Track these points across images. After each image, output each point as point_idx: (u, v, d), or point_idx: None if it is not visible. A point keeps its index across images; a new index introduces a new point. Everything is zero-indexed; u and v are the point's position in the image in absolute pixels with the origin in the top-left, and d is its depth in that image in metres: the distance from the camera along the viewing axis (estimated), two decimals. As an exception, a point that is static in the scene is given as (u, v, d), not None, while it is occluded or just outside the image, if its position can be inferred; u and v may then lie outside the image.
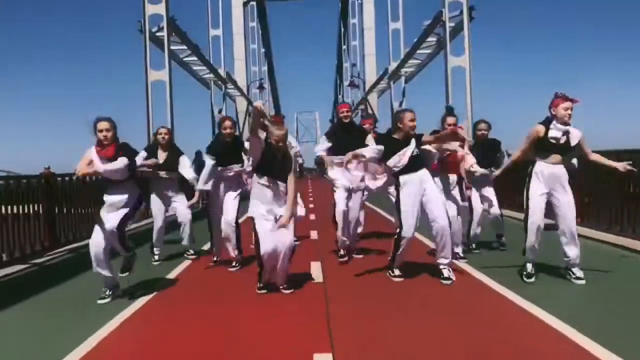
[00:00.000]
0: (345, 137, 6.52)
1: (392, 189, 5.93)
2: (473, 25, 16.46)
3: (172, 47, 17.95)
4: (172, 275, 6.54)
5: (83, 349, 3.93)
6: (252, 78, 39.10)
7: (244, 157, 6.44)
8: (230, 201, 6.46)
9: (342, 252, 6.88)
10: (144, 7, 16.01)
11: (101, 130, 5.07)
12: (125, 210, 5.16)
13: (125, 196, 5.17)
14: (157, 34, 16.78)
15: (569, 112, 5.28)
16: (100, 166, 4.98)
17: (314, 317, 4.55)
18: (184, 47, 19.87)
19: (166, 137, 7.37)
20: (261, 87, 39.06)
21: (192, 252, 7.63)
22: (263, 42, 48.39)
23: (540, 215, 5.41)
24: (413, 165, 5.55)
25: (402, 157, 5.52)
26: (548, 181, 5.38)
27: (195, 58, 21.79)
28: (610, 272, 5.94)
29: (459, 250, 6.66)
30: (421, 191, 5.57)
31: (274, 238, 5.13)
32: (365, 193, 6.97)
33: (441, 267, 5.70)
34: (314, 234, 9.59)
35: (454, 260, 6.00)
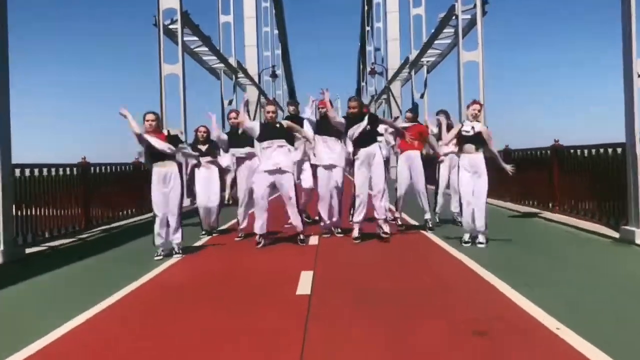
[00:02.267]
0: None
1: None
2: (488, 19, 19.39)
3: (184, 39, 21.10)
4: (200, 242, 9.72)
5: (150, 275, 7.11)
6: (264, 64, 42.14)
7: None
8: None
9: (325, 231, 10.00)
10: (159, 1, 19.20)
11: (148, 120, 8.27)
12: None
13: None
14: (171, 27, 19.97)
15: (475, 112, 8.55)
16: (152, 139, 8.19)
17: (307, 255, 7.74)
18: (195, 38, 23.09)
19: (205, 134, 10.53)
20: (274, 75, 42.17)
21: (216, 230, 10.75)
22: (277, 24, 51.33)
23: (469, 194, 8.48)
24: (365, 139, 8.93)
25: (355, 130, 8.92)
26: (470, 166, 8.47)
27: (206, 48, 25.00)
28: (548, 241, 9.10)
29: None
30: (370, 161, 8.99)
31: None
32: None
33: (378, 222, 9.13)
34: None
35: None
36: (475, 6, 19.40)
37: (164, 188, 8.29)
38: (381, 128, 9.82)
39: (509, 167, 8.96)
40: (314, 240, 9.44)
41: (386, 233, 9.11)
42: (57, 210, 11.25)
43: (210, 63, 27.95)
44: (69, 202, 11.69)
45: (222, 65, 28.49)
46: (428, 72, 29.36)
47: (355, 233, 9.18)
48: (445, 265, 7.51)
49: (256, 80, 36.84)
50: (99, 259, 8.84)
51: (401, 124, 10.34)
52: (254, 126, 9.10)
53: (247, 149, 9.85)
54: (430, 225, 10.23)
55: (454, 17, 20.76)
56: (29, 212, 10.19)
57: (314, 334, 4.61)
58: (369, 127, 8.91)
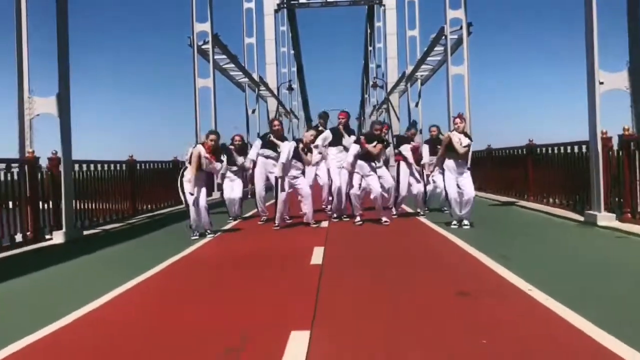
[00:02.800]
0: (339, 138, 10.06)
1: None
2: (472, 38, 19.40)
3: (214, 57, 21.28)
4: (229, 226, 9.86)
5: (175, 257, 7.26)
6: (282, 79, 42.21)
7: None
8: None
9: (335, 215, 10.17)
10: (193, 25, 19.40)
11: (212, 140, 8.43)
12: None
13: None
14: (203, 47, 20.14)
15: (457, 125, 8.62)
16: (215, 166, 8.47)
17: (319, 235, 7.82)
18: (224, 56, 23.24)
19: (239, 142, 10.81)
20: (290, 88, 42.27)
21: (241, 217, 10.90)
22: (293, 45, 51.28)
23: (454, 192, 8.54)
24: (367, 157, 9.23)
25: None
26: (455, 170, 8.55)
27: (233, 65, 25.15)
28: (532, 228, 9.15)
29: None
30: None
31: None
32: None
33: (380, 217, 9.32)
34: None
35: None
36: (461, 28, 19.39)
37: (195, 186, 8.40)
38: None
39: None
40: (325, 224, 9.57)
41: (387, 221, 9.27)
42: (110, 200, 11.49)
43: (237, 78, 28.08)
44: (119, 193, 11.90)
45: (246, 79, 28.62)
46: (422, 84, 29.37)
47: (358, 218, 9.38)
48: (435, 240, 7.63)
49: (275, 92, 36.93)
50: (147, 239, 9.13)
51: (407, 149, 10.38)
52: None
53: (270, 152, 10.08)
54: (422, 213, 10.39)
55: (443, 37, 20.76)
56: (87, 204, 10.45)
57: (325, 290, 4.74)
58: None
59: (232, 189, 10.65)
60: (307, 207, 9.20)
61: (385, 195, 9.55)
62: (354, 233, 8.58)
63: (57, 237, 8.70)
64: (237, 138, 10.93)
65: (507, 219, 10.18)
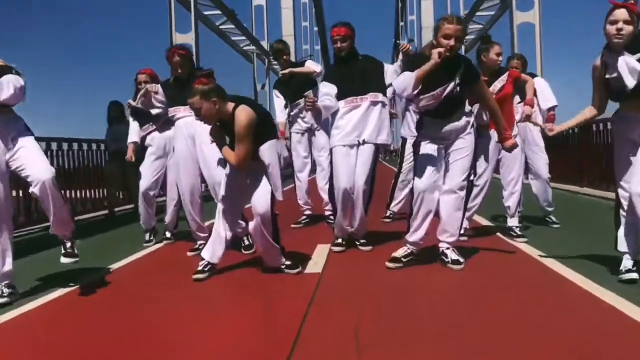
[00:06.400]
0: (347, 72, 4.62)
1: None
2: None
3: (205, 12, 16.50)
4: (120, 263, 4.86)
5: None
6: (302, 55, 37.38)
7: None
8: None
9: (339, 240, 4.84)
10: (168, -38, 14.52)
11: None
12: None
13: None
14: (185, -6, 15.28)
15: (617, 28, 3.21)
16: None
17: (281, 314, 2.71)
18: (218, 12, 18.30)
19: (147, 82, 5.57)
20: (311, 63, 37.40)
21: (168, 237, 5.65)
22: (316, 21, 46.90)
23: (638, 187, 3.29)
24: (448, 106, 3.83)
25: (438, 95, 3.73)
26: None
27: (233, 26, 20.24)
28: None
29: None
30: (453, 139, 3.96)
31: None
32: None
33: (441, 249, 4.04)
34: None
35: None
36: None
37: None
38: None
39: None
40: (318, 261, 4.49)
41: (458, 261, 3.96)
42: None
43: (242, 45, 23.16)
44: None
45: (253, 48, 23.70)
46: (466, 52, 23.95)
47: (401, 252, 4.05)
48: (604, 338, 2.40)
49: (294, 68, 32.01)
50: None
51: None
52: None
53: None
54: (517, 231, 5.07)
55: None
56: None
57: None
58: (459, 88, 3.79)
59: (153, 172, 5.48)
60: (258, 241, 3.99)
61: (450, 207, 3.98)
62: (378, 303, 3.31)
63: None
64: (141, 77, 5.46)
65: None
